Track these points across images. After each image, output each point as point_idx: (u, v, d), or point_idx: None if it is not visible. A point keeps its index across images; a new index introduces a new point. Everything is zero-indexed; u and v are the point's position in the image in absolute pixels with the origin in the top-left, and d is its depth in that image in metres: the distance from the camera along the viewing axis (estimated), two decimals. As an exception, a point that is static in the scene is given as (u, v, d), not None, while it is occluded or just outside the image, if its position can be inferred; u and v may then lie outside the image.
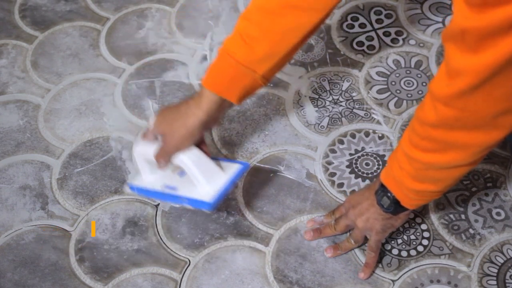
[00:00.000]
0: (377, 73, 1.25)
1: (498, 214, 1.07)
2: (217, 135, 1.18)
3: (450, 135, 0.76)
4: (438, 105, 0.73)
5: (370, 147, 1.15)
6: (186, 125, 0.95)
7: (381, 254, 1.03)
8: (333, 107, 1.20)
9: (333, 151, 1.15)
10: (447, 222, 1.06)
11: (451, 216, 1.07)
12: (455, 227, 1.06)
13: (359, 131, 1.17)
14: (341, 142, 1.16)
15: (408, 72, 1.24)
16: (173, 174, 1.03)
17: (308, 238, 1.05)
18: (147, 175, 1.04)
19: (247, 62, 0.92)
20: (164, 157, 0.97)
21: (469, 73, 0.67)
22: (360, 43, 1.29)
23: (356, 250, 1.04)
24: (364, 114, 1.19)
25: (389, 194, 0.92)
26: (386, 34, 1.30)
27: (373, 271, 1.01)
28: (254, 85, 0.96)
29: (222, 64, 0.94)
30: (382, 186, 0.93)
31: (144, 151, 1.00)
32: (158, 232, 1.07)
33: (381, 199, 0.94)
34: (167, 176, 1.03)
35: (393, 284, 1.01)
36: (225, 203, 1.10)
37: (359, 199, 0.99)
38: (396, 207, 0.93)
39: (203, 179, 0.97)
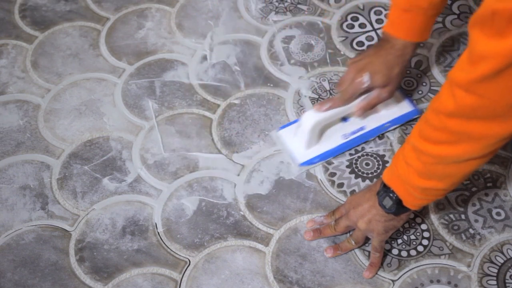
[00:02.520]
0: (377, 73, 1.25)
1: (498, 214, 1.07)
2: (217, 135, 1.18)
3: (465, 125, 0.76)
4: (458, 92, 0.74)
5: (370, 147, 1.15)
6: (398, 79, 1.06)
7: (383, 253, 1.03)
8: (333, 107, 1.20)
9: (333, 151, 1.15)
10: (447, 222, 1.06)
11: (451, 216, 1.07)
12: (455, 227, 1.06)
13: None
14: (341, 142, 1.16)
15: (408, 72, 1.24)
16: (333, 130, 1.14)
17: (308, 238, 1.05)
18: (313, 145, 1.12)
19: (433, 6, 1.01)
20: (376, 102, 1.08)
21: (494, 57, 0.67)
22: (360, 43, 1.29)
23: (356, 250, 1.04)
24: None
25: (391, 195, 0.92)
26: (386, 34, 1.30)
27: (378, 270, 1.02)
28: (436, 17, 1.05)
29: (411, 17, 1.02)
30: (385, 186, 0.93)
31: (323, 117, 1.09)
32: (158, 232, 1.07)
33: (383, 200, 0.93)
34: (332, 134, 1.14)
35: (393, 284, 1.01)
36: (225, 203, 1.10)
37: (360, 200, 0.99)
38: (398, 207, 0.93)
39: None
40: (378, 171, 1.12)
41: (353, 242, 1.02)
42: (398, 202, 0.92)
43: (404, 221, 0.98)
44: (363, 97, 1.08)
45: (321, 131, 1.13)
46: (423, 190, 0.88)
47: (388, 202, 0.93)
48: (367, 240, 1.02)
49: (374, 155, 1.14)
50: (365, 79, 1.05)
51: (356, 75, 1.06)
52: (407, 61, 1.06)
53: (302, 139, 1.11)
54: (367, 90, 1.07)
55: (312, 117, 1.09)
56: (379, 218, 0.96)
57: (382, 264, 1.02)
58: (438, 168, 0.84)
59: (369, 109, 1.10)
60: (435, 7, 1.01)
